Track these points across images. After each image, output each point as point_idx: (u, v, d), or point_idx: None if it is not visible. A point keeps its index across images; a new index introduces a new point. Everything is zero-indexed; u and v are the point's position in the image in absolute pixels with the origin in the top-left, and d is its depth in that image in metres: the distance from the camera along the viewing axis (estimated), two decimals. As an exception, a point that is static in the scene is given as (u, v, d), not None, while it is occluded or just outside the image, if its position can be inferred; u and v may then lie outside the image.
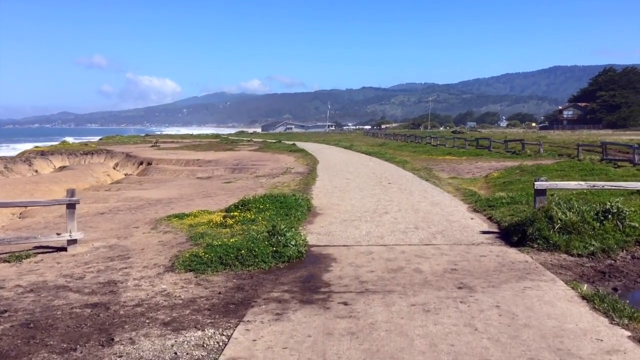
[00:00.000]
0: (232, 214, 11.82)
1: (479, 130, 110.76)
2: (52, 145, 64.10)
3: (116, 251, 9.49)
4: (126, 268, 8.31)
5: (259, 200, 12.78)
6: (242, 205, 12.58)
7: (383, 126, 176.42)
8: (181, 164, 37.35)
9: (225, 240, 9.00)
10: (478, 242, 9.86)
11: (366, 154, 40.74)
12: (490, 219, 12.10)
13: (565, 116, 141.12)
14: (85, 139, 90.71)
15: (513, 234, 9.81)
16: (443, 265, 8.33)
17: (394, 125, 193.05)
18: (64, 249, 9.60)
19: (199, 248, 8.91)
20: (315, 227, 11.52)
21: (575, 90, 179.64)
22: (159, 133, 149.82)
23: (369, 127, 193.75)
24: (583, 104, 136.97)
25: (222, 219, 11.37)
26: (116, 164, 44.98)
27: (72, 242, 9.59)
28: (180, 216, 12.37)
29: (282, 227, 9.31)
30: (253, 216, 11.43)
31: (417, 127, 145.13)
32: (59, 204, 10.17)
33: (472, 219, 12.26)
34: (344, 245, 9.78)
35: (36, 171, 40.93)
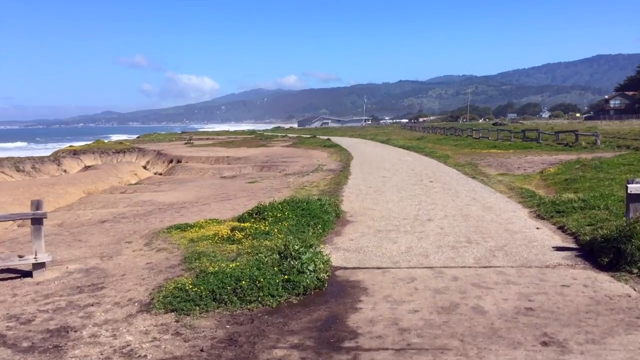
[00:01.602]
0: (243, 224, 9.79)
1: (520, 122, 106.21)
2: (85, 145, 63.65)
3: (91, 277, 7.56)
4: (92, 305, 6.36)
5: (277, 207, 10.71)
6: (256, 214, 10.54)
7: (420, 119, 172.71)
8: (210, 162, 35.72)
9: (224, 265, 6.96)
10: (554, 264, 7.57)
11: (404, 148, 38.32)
12: (562, 229, 9.66)
13: (612, 105, 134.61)
14: (132, 137, 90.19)
15: (601, 253, 7.43)
16: (513, 300, 6.12)
17: (431, 118, 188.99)
18: (30, 273, 7.75)
19: (189, 276, 6.90)
20: (342, 241, 9.42)
21: (620, 79, 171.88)
22: (200, 130, 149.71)
23: (406, 120, 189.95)
24: (631, 93, 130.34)
25: (230, 231, 9.35)
26: (147, 162, 43.85)
27: (39, 265, 7.71)
28: (182, 227, 10.38)
29: (297, 247, 7.22)
30: (268, 228, 9.37)
31: (455, 120, 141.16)
32: (21, 219, 8.29)
33: (537, 228, 9.90)
34: (378, 268, 7.65)
35: (65, 171, 39.99)
